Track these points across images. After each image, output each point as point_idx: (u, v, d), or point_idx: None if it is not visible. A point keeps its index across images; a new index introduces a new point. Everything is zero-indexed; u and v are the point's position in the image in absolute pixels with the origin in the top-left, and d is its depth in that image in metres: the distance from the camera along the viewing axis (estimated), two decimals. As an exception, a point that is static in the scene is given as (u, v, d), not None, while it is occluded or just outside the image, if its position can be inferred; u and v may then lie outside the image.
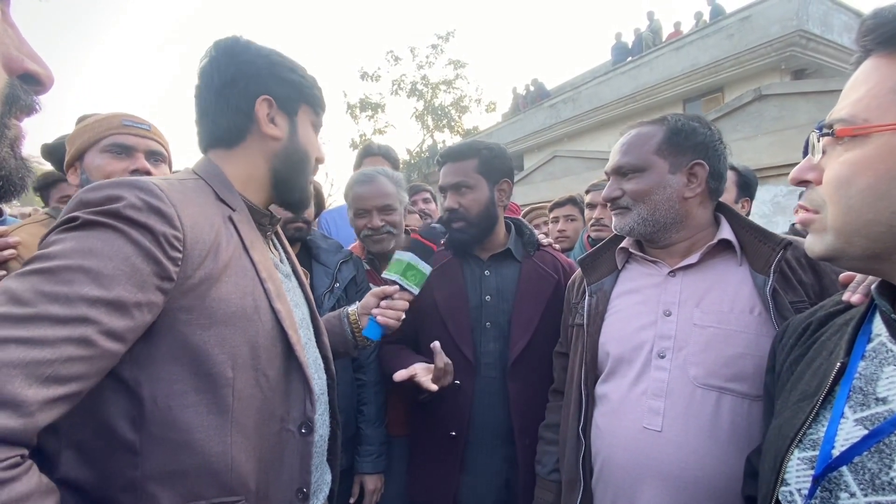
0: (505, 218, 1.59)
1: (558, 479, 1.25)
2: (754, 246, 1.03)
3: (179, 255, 0.70)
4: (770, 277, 0.97)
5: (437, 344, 1.28)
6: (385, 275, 1.18)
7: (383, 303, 1.14)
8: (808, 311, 0.80)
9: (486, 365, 1.43)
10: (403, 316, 1.15)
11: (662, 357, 1.03)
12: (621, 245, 1.21)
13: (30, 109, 0.43)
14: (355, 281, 1.72)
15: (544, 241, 1.66)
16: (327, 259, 1.70)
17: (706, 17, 12.10)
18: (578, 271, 1.32)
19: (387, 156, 2.55)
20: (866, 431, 0.54)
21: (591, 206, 2.34)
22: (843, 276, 0.79)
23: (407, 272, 1.17)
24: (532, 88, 16.92)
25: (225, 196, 0.85)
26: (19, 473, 0.52)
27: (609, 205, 1.16)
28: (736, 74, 10.44)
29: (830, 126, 0.58)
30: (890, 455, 0.51)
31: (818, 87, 6.41)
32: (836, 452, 0.56)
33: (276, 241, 1.05)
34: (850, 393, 0.58)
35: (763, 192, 6.46)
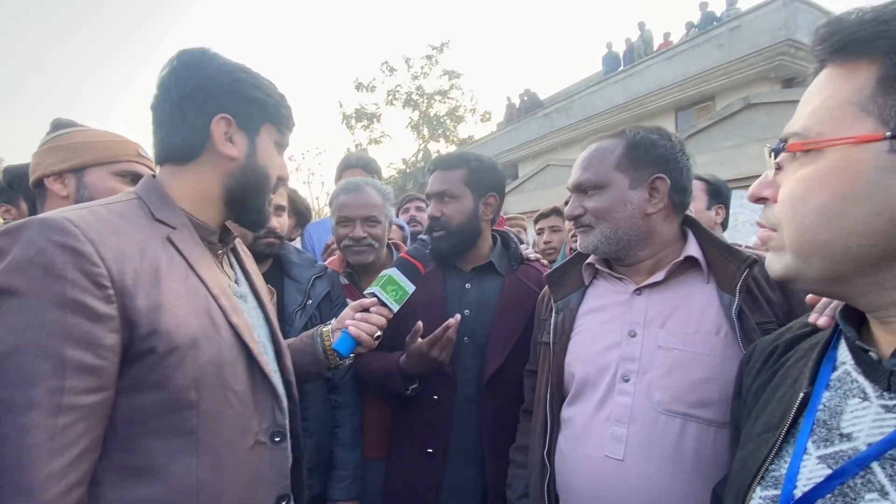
0: (493, 231, 1.56)
1: None
2: (721, 263, 0.99)
3: (110, 291, 0.67)
4: (736, 297, 0.93)
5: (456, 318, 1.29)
6: (367, 290, 1.15)
7: (358, 314, 1.09)
8: (775, 333, 0.75)
9: (463, 381, 1.39)
10: (378, 333, 1.09)
11: (627, 381, 0.99)
12: (588, 261, 1.17)
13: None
14: (329, 297, 1.67)
15: (532, 255, 1.62)
16: (299, 274, 1.66)
17: (697, 24, 12.24)
18: (547, 287, 1.28)
19: (367, 167, 2.50)
20: (829, 471, 0.49)
21: (568, 219, 2.33)
22: (810, 297, 0.75)
23: (387, 286, 1.12)
24: (525, 98, 17.05)
25: (162, 215, 0.81)
26: None
27: (573, 222, 1.12)
28: (727, 83, 10.55)
29: (785, 140, 0.54)
30: (854, 499, 0.46)
31: (806, 96, 6.46)
32: (798, 493, 0.51)
33: (232, 259, 1.02)
34: (814, 426, 0.54)
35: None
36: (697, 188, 2.07)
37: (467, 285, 1.47)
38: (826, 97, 0.51)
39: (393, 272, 1.15)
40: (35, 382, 0.61)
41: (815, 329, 0.67)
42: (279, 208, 1.84)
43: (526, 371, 1.34)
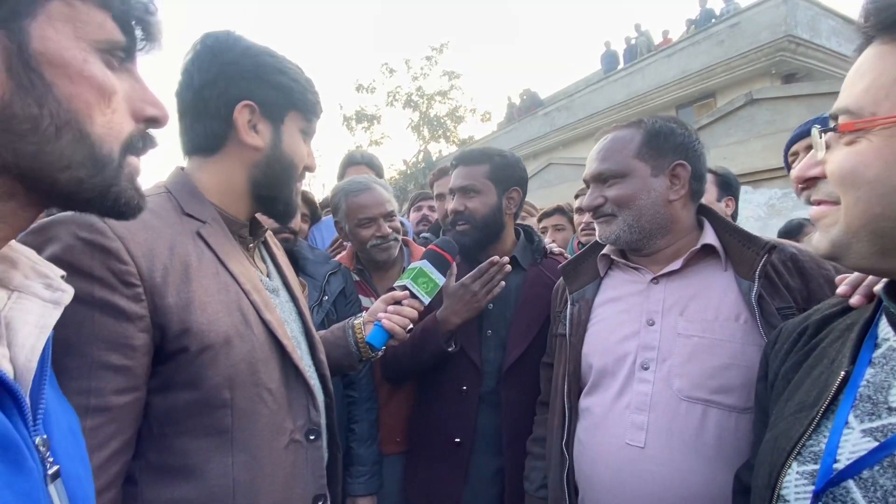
0: (516, 225, 1.57)
1: (546, 497, 1.20)
2: (738, 250, 0.99)
3: (139, 289, 0.66)
4: (755, 283, 0.93)
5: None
6: (396, 283, 1.14)
7: (390, 307, 1.08)
8: (801, 316, 0.75)
9: (486, 373, 1.40)
10: (411, 325, 1.09)
11: (646, 368, 0.99)
12: (603, 252, 1.17)
13: (145, 150, 0.52)
14: (344, 293, 1.69)
15: (556, 249, 1.63)
16: (314, 271, 1.67)
17: (696, 21, 12.25)
18: (562, 279, 1.28)
19: (370, 164, 2.53)
20: (876, 443, 0.49)
21: (581, 210, 2.33)
22: (839, 277, 0.75)
23: (418, 279, 1.12)
24: (524, 98, 17.05)
25: (192, 209, 0.80)
26: None
27: (592, 213, 1.12)
28: (727, 80, 10.54)
29: (836, 117, 0.54)
30: None
31: (809, 91, 6.46)
32: (839, 466, 0.51)
33: (263, 252, 0.99)
34: (856, 401, 0.54)
35: (758, 196, 6.47)
36: (708, 180, 2.08)
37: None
38: (878, 75, 0.51)
39: (423, 264, 1.15)
40: (63, 383, 0.60)
41: (846, 309, 0.67)
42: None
43: (542, 363, 1.35)
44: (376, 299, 1.74)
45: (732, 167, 2.14)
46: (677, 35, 12.93)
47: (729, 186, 2.11)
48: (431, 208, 2.82)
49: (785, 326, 0.76)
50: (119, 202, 0.48)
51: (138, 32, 0.49)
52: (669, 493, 0.91)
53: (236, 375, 0.74)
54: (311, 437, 0.85)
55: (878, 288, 0.64)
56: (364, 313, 1.15)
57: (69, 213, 0.65)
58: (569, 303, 1.18)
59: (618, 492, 0.96)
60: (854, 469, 0.49)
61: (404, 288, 1.12)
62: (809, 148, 1.57)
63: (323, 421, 0.91)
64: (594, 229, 2.17)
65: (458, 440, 1.38)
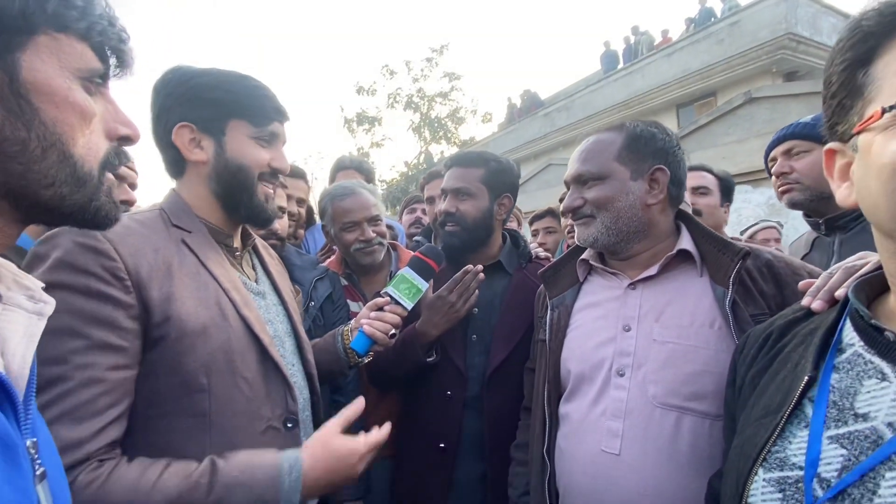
0: (503, 230, 1.58)
1: (529, 503, 1.20)
2: (714, 256, 1.00)
3: (128, 282, 0.76)
4: (730, 289, 0.93)
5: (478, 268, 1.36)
6: (383, 290, 1.19)
7: (372, 314, 1.13)
8: (768, 321, 0.76)
9: (471, 378, 1.40)
10: (394, 331, 1.13)
11: (622, 375, 0.99)
12: (582, 257, 1.17)
13: (120, 165, 0.60)
14: (331, 298, 1.69)
15: (542, 253, 1.63)
16: (301, 276, 1.68)
17: (695, 20, 12.22)
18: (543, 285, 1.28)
19: (360, 168, 2.56)
20: (844, 450, 0.50)
21: (566, 213, 2.33)
22: (802, 283, 0.76)
23: (400, 285, 1.16)
24: (525, 98, 17.05)
25: (180, 222, 0.90)
26: (105, 468, 0.70)
27: (571, 215, 1.12)
28: (728, 78, 10.51)
29: None
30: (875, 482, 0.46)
31: (809, 89, 6.43)
32: (827, 475, 0.50)
33: (255, 260, 1.07)
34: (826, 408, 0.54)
35: (757, 195, 6.43)
36: (712, 184, 2.05)
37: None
38: None
39: (406, 271, 1.18)
40: (66, 360, 0.70)
41: (809, 314, 0.67)
42: (299, 201, 1.87)
43: (526, 369, 1.35)
44: (364, 303, 1.75)
45: (732, 166, 2.15)
46: (677, 34, 12.90)
47: (729, 193, 2.11)
48: (425, 211, 2.83)
49: (752, 332, 0.76)
50: (98, 215, 0.53)
51: (113, 60, 0.54)
52: (644, 500, 0.91)
53: (213, 363, 0.82)
54: (289, 426, 0.91)
55: (839, 293, 0.65)
56: (353, 321, 1.19)
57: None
58: (549, 308, 1.18)
59: (594, 499, 0.96)
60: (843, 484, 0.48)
61: (387, 294, 1.15)
62: (787, 153, 1.58)
63: (306, 414, 0.98)
64: (580, 231, 2.19)
65: (442, 445, 1.38)
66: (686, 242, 1.04)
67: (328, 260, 1.94)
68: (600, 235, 1.05)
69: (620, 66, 13.42)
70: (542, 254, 1.64)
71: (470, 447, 1.39)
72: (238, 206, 0.95)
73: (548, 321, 1.17)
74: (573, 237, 2.21)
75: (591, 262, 1.15)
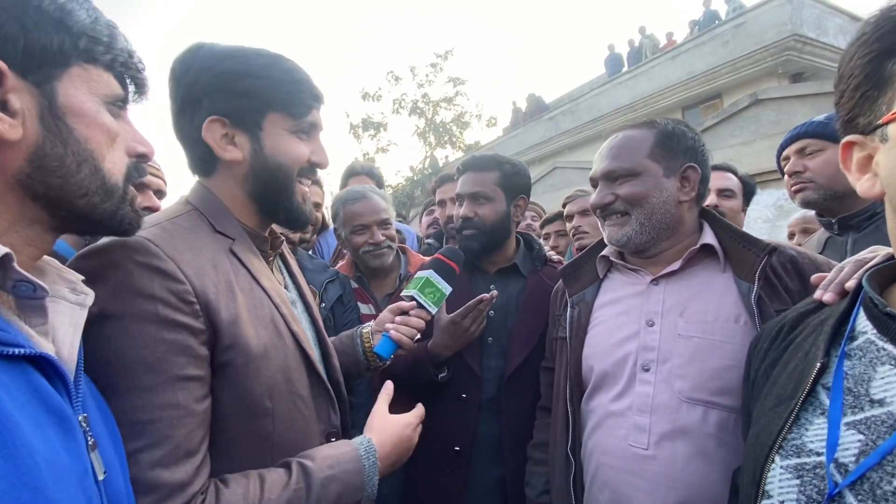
0: (517, 233, 1.60)
1: (548, 502, 1.20)
2: (738, 252, 0.99)
3: (196, 306, 0.68)
4: (755, 285, 0.93)
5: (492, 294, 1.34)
6: (403, 293, 1.14)
7: (398, 318, 1.08)
8: (780, 315, 0.76)
9: (487, 381, 1.41)
10: (418, 335, 1.09)
11: (647, 370, 0.99)
12: (602, 254, 1.17)
13: (138, 178, 0.63)
14: (342, 300, 1.72)
15: (554, 257, 1.65)
16: (312, 279, 1.70)
17: (699, 22, 12.21)
18: (561, 282, 1.28)
19: (370, 174, 2.62)
20: (861, 436, 0.50)
21: (570, 216, 2.33)
22: (815, 276, 0.76)
23: (425, 289, 1.11)
24: (530, 102, 17.09)
25: (222, 227, 0.79)
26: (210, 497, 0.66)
27: (599, 211, 1.10)
28: (733, 80, 10.47)
29: None
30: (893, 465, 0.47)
31: (814, 90, 6.40)
32: (845, 461, 0.51)
33: (280, 264, 1.00)
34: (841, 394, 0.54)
35: (765, 197, 6.39)
36: (736, 186, 2.01)
37: (492, 287, 1.49)
38: None
39: (430, 274, 1.13)
40: (151, 399, 0.63)
41: (820, 306, 0.68)
42: (316, 205, 1.87)
43: (542, 368, 1.35)
44: (374, 306, 1.78)
45: (738, 168, 2.12)
46: (681, 37, 12.89)
47: (750, 196, 2.08)
48: None
49: (765, 327, 0.77)
50: (123, 223, 0.60)
51: (131, 87, 0.62)
52: (673, 494, 0.91)
53: (275, 385, 0.76)
54: (332, 440, 0.88)
55: (850, 284, 0.66)
56: (372, 322, 1.16)
57: (117, 238, 0.67)
58: (568, 306, 1.18)
59: (622, 494, 0.96)
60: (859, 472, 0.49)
61: (412, 298, 1.11)
62: (800, 151, 1.57)
63: (339, 424, 0.95)
64: (585, 232, 2.20)
65: (457, 448, 1.38)
66: (709, 237, 1.03)
67: (340, 264, 1.97)
68: (634, 234, 1.04)
69: (625, 69, 13.41)
70: (556, 257, 1.65)
71: (486, 450, 1.39)
72: (276, 208, 0.86)
73: (568, 318, 1.17)
74: (580, 240, 2.24)
75: (612, 258, 1.15)
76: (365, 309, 1.78)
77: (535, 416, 1.35)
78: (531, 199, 1.93)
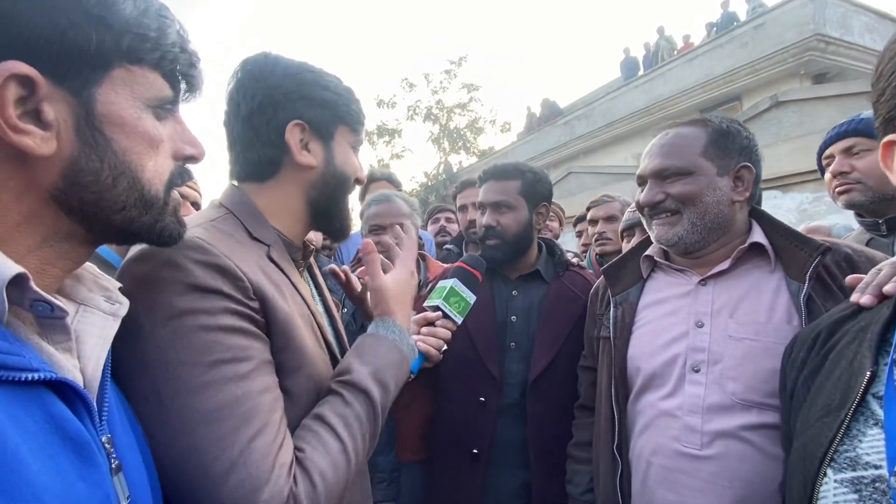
0: (539, 239, 1.60)
1: (592, 501, 1.19)
2: (790, 251, 0.98)
3: (257, 304, 0.67)
4: (805, 284, 0.92)
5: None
6: (427, 303, 1.10)
7: (424, 329, 1.03)
8: (814, 322, 0.74)
9: (508, 385, 1.41)
10: (445, 346, 1.05)
11: (697, 371, 0.99)
12: (646, 253, 1.15)
13: (183, 183, 0.58)
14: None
15: (574, 260, 1.65)
16: (333, 286, 1.74)
17: (717, 24, 12.05)
18: (601, 280, 1.28)
19: (390, 179, 2.67)
20: None
21: (593, 221, 2.32)
22: (850, 277, 0.74)
23: (450, 298, 1.08)
24: (544, 108, 17.06)
25: (258, 233, 0.78)
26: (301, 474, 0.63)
27: (647, 210, 1.08)
28: (753, 82, 10.30)
29: None
30: None
31: (838, 91, 6.25)
32: None
33: (308, 274, 0.99)
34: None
35: (787, 201, 6.25)
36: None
37: (514, 292, 1.50)
38: None
39: (455, 283, 1.10)
40: (246, 387, 0.61)
41: (858, 311, 0.66)
42: None
43: (581, 367, 1.34)
44: None
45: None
46: (699, 40, 12.73)
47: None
48: (449, 220, 2.89)
49: (799, 334, 0.75)
50: (163, 234, 0.56)
51: (183, 85, 0.56)
52: (730, 493, 0.90)
53: (322, 391, 0.74)
54: None
55: (888, 288, 0.64)
56: None
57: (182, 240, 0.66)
58: (611, 305, 1.17)
59: (675, 493, 0.96)
60: None
61: (436, 308, 1.07)
62: (846, 151, 1.51)
63: None
64: (608, 239, 2.18)
65: (475, 451, 1.39)
66: (759, 236, 1.02)
67: (359, 269, 2.00)
68: (685, 234, 1.02)
69: (641, 72, 13.30)
70: (575, 260, 1.66)
71: (508, 455, 1.39)
72: (333, 217, 0.88)
73: (611, 318, 1.16)
74: (602, 246, 2.23)
75: (657, 258, 1.13)
76: None
77: (560, 421, 1.35)
78: (550, 209, 1.92)
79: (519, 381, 1.41)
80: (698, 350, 0.99)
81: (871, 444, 0.54)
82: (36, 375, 0.42)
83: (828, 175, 1.52)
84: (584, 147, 14.03)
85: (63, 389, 0.44)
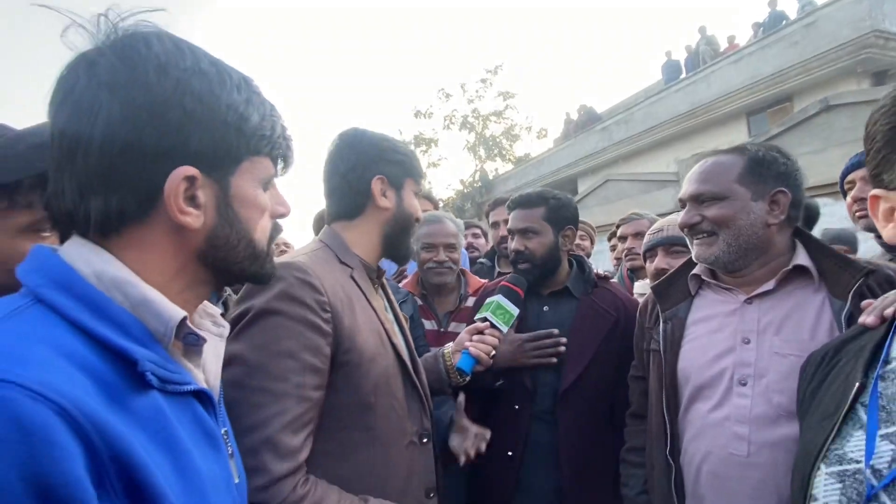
0: (570, 256, 1.73)
1: (648, 501, 1.28)
2: (834, 272, 1.03)
3: (329, 315, 0.92)
4: (848, 302, 0.97)
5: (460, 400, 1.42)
6: (477, 316, 1.37)
7: (475, 337, 1.30)
8: (825, 344, 0.84)
9: (540, 394, 1.54)
10: (494, 352, 1.30)
11: (744, 384, 1.06)
12: (694, 272, 1.24)
13: (279, 234, 0.77)
14: (413, 319, 1.96)
15: (602, 273, 1.77)
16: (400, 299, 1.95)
17: (764, 24, 11.59)
18: (649, 295, 1.36)
19: (428, 197, 2.94)
20: (893, 446, 0.59)
21: (623, 238, 2.40)
22: (865, 302, 0.83)
23: (496, 311, 1.34)
24: (582, 114, 16.88)
25: (345, 259, 1.07)
26: (311, 485, 0.85)
27: (687, 230, 1.18)
28: (804, 82, 9.84)
29: None
30: None
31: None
32: (880, 467, 0.59)
33: (380, 291, 1.22)
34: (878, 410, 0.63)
35: (839, 208, 5.96)
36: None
37: (545, 308, 1.64)
38: None
39: (500, 299, 1.36)
40: (287, 378, 0.85)
41: (862, 332, 0.76)
42: None
43: (631, 377, 1.44)
44: (436, 322, 2.01)
45: (809, 178, 2.08)
46: (744, 41, 12.28)
47: (810, 221, 2.01)
48: (476, 235, 3.03)
49: (812, 354, 0.86)
50: (263, 276, 0.71)
51: (280, 163, 0.72)
52: (775, 499, 0.98)
53: (378, 386, 0.97)
54: (424, 440, 1.07)
55: (888, 311, 0.74)
56: (451, 344, 1.36)
57: (285, 260, 0.93)
58: (661, 320, 1.27)
59: (725, 497, 1.03)
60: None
61: (485, 320, 1.32)
62: (866, 178, 1.58)
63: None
64: (638, 255, 2.28)
65: (510, 453, 1.52)
66: (802, 258, 1.08)
67: (405, 282, 2.22)
68: (721, 254, 1.10)
69: (683, 75, 12.97)
70: (603, 273, 1.78)
71: (541, 457, 1.52)
72: (400, 247, 1.17)
73: (661, 332, 1.25)
74: (632, 261, 2.32)
75: (704, 277, 1.22)
76: (428, 325, 1.98)
77: (590, 428, 1.47)
78: (583, 213, 2.04)
79: (550, 392, 1.53)
80: (745, 365, 1.07)
81: (855, 443, 0.65)
82: (189, 387, 0.57)
83: (849, 199, 1.60)
84: (623, 153, 13.79)
85: (201, 396, 0.60)
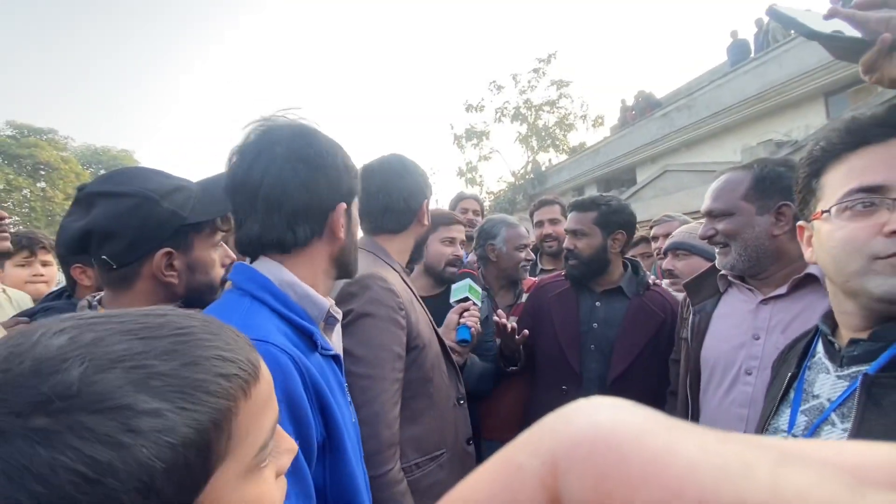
0: (625, 259, 1.94)
1: None
2: None
3: (403, 312, 1.20)
4: None
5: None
6: (456, 298, 1.68)
7: (466, 313, 1.62)
8: (785, 346, 1.04)
9: (587, 379, 1.77)
10: (478, 320, 1.65)
11: (749, 374, 1.26)
12: (722, 272, 1.41)
13: None
14: (487, 319, 2.24)
15: (654, 280, 1.97)
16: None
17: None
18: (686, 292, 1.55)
19: (476, 198, 3.24)
20: (806, 418, 0.82)
21: (655, 238, 2.54)
22: None
23: (471, 290, 1.68)
24: (639, 100, 16.24)
25: (394, 266, 1.34)
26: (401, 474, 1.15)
27: (707, 241, 1.37)
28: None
29: None
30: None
31: None
32: (797, 434, 0.82)
33: None
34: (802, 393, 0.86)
35: None
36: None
37: (597, 303, 1.85)
38: None
39: (470, 281, 1.72)
40: (385, 366, 1.13)
41: (805, 334, 0.97)
42: None
43: (671, 360, 1.66)
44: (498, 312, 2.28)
45: None
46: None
47: None
48: (553, 221, 3.24)
49: (780, 352, 1.06)
50: (353, 273, 0.99)
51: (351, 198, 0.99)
52: None
53: (433, 364, 1.28)
54: (461, 402, 1.41)
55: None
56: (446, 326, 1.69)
57: (370, 272, 1.23)
58: (692, 313, 1.47)
59: None
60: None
61: (466, 299, 1.65)
62: None
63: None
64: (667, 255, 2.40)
65: None
66: (815, 267, 1.21)
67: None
68: (736, 262, 1.29)
69: (752, 56, 12.13)
70: (656, 281, 1.97)
71: None
72: (415, 252, 1.47)
73: (690, 323, 1.46)
74: (661, 259, 2.44)
75: (730, 277, 1.40)
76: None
77: None
78: (640, 206, 2.21)
79: (597, 377, 1.75)
80: (753, 357, 1.26)
81: (784, 419, 0.87)
82: (331, 352, 0.86)
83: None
84: (685, 140, 13.17)
85: (337, 359, 0.90)
